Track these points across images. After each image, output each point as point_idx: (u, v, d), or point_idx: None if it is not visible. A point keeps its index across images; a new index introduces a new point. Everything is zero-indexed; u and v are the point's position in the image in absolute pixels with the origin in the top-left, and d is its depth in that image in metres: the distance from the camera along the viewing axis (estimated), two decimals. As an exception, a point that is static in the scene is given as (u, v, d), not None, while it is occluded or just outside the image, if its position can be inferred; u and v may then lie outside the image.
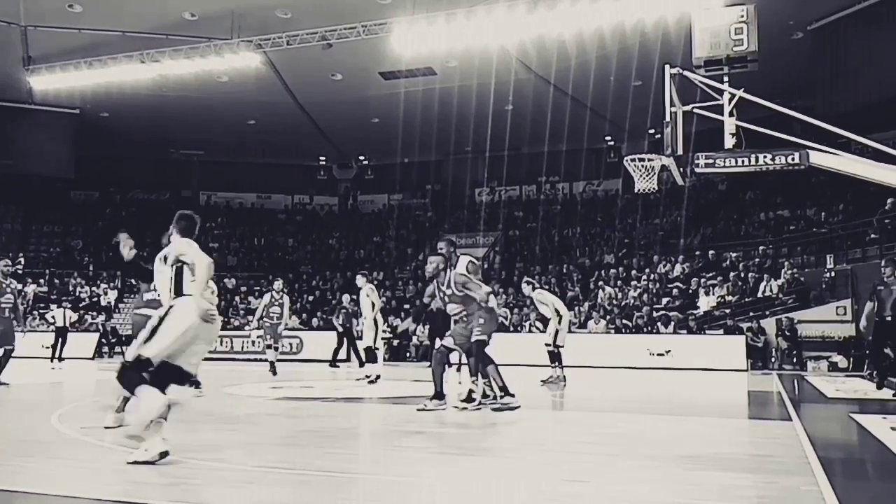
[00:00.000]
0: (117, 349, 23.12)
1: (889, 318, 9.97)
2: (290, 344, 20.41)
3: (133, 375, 4.46)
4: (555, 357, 11.43)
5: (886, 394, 9.90)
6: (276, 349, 14.33)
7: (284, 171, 32.85)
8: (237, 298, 26.63)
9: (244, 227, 32.00)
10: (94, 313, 24.53)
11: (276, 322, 13.98)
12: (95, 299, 25.86)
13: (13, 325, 10.27)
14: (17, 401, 8.63)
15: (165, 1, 19.37)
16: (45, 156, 26.45)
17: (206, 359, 15.21)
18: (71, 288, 25.86)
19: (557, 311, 11.46)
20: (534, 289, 12.00)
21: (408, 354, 21.09)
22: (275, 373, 13.58)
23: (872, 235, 18.34)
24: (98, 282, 27.02)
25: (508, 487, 4.07)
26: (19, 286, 25.63)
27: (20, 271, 26.75)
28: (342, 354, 17.18)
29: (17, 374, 9.07)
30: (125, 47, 21.25)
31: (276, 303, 14.10)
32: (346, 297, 17.48)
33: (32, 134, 25.59)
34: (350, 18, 19.46)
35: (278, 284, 14.51)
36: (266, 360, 14.52)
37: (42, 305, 24.68)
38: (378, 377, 11.64)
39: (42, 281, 25.93)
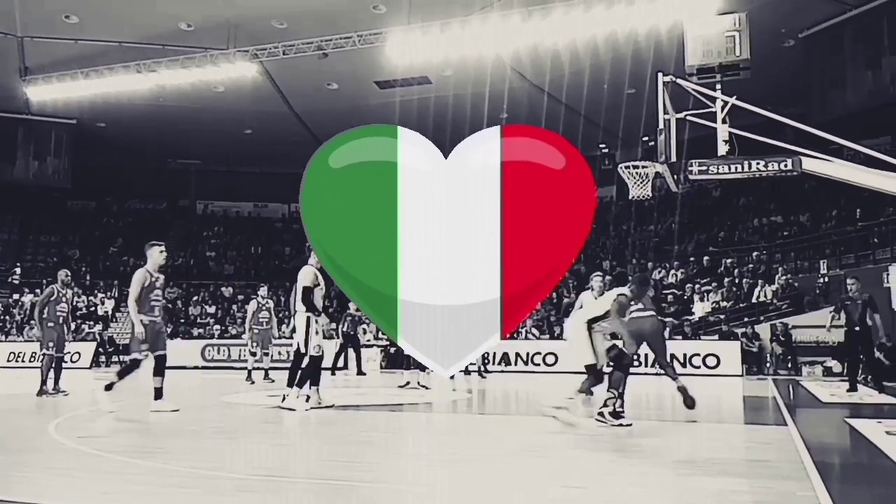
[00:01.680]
0: (114, 358, 23.10)
1: (857, 329, 10.69)
2: (288, 352, 20.39)
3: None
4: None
5: (884, 398, 9.99)
6: (268, 355, 14.36)
7: (281, 180, 32.76)
8: (234, 307, 26.65)
9: (241, 235, 32.02)
10: (92, 322, 24.51)
11: (265, 328, 14.08)
12: (92, 309, 25.84)
13: (65, 333, 10.70)
14: (14, 410, 8.61)
15: (162, 11, 19.45)
16: (41, 166, 26.50)
17: (203, 367, 15.34)
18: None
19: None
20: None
21: (404, 363, 21.09)
22: (271, 380, 13.59)
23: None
24: (95, 291, 27.00)
25: (506, 493, 4.08)
26: (16, 296, 25.79)
27: (17, 281, 26.76)
28: (340, 362, 17.23)
29: (15, 383, 9.11)
30: (122, 58, 21.33)
31: (264, 307, 14.22)
32: (352, 305, 17.52)
33: (29, 144, 25.65)
34: (346, 28, 19.57)
35: (263, 290, 14.60)
36: (247, 369, 14.49)
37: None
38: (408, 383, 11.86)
39: (39, 291, 25.86)
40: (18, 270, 27.28)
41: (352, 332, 16.94)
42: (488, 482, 4.42)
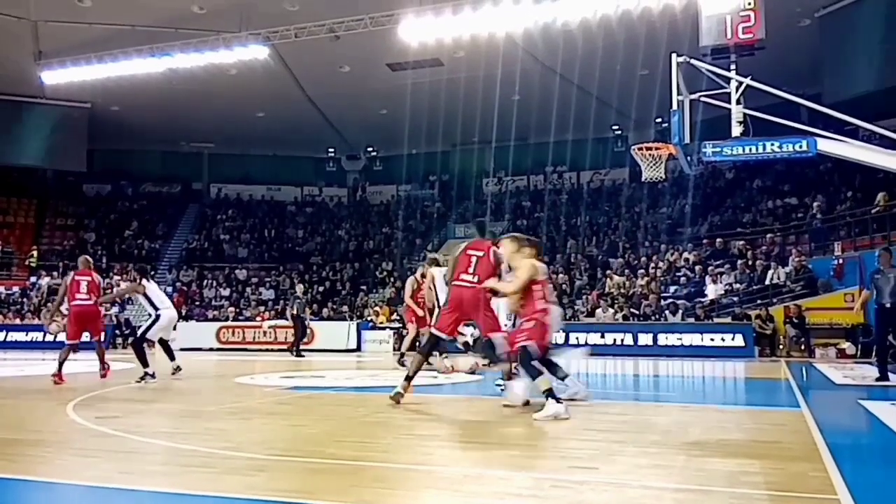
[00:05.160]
0: (129, 339, 23.41)
1: (888, 306, 9.88)
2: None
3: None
4: None
5: (893, 380, 9.93)
6: None
7: (294, 163, 33.02)
8: (248, 290, 26.89)
9: (254, 219, 32.20)
10: (108, 305, 24.82)
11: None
12: (108, 291, 26.14)
13: None
14: (32, 390, 8.75)
15: (174, -5, 19.52)
16: (57, 150, 26.75)
17: (219, 349, 15.68)
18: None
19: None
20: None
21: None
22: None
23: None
24: (111, 274, 27.29)
25: (515, 474, 4.11)
26: (33, 279, 26.13)
27: (33, 264, 27.10)
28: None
29: (33, 364, 9.24)
30: (135, 41, 21.41)
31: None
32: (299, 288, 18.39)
33: (44, 128, 25.86)
34: (357, 10, 19.52)
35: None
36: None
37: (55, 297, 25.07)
38: None
39: (55, 273, 26.21)
40: (35, 253, 27.59)
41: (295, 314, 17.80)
42: (498, 462, 4.47)
